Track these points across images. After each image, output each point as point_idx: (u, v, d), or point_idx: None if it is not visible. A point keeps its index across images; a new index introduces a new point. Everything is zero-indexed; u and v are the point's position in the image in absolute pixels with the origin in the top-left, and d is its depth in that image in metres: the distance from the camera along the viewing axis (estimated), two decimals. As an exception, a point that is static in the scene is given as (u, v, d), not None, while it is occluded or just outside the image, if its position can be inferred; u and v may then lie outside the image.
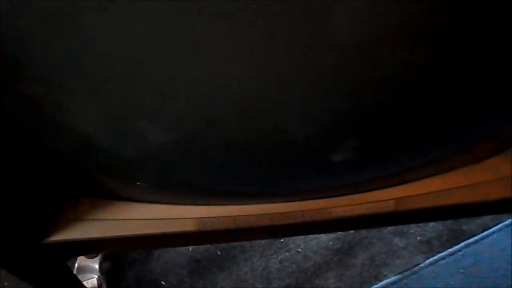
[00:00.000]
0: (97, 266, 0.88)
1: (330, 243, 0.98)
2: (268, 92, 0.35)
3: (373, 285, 0.91)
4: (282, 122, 0.37)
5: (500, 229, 0.96)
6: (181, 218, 0.48)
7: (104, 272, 0.90)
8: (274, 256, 0.96)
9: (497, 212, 0.67)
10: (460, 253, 0.94)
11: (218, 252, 0.96)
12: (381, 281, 0.91)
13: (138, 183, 0.47)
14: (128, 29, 0.29)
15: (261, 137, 0.39)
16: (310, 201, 0.49)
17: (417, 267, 0.92)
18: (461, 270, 0.91)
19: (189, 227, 0.48)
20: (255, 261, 0.95)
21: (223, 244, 0.97)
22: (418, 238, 0.98)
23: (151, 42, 0.30)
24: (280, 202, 0.50)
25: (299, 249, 0.97)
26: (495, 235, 0.96)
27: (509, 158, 0.51)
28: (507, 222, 0.97)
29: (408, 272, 0.91)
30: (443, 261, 0.93)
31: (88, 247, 0.51)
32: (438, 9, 0.30)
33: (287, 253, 0.97)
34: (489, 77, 0.37)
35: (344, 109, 0.37)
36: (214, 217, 0.48)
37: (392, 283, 0.90)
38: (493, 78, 0.37)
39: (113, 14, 0.28)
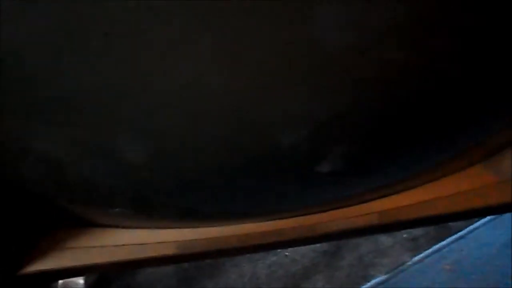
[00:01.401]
0: (82, 281, 0.87)
1: (318, 245, 0.97)
2: (252, 100, 0.33)
3: (361, 285, 0.91)
4: (269, 130, 0.36)
5: (484, 224, 0.97)
6: (161, 242, 0.47)
7: (89, 287, 0.89)
8: (262, 261, 0.96)
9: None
10: (445, 249, 0.94)
11: (206, 260, 0.96)
12: (369, 281, 0.91)
13: (117, 209, 0.46)
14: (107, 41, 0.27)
15: (245, 149, 0.38)
16: (293, 219, 0.49)
17: (404, 266, 0.92)
18: (447, 267, 0.91)
19: (170, 250, 0.47)
20: (243, 267, 0.95)
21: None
22: (405, 236, 0.99)
23: (130, 53, 0.28)
24: (263, 221, 0.49)
25: (287, 253, 0.97)
26: (479, 229, 0.97)
27: (493, 165, 0.51)
28: (491, 216, 0.98)
29: (395, 271, 0.92)
30: (429, 259, 0.93)
31: (67, 274, 0.50)
32: (427, 10, 0.28)
33: (275, 258, 0.96)
34: (481, 83, 0.36)
35: (330, 115, 0.35)
36: (195, 239, 0.47)
37: (380, 283, 0.90)
38: (484, 84, 0.36)
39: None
